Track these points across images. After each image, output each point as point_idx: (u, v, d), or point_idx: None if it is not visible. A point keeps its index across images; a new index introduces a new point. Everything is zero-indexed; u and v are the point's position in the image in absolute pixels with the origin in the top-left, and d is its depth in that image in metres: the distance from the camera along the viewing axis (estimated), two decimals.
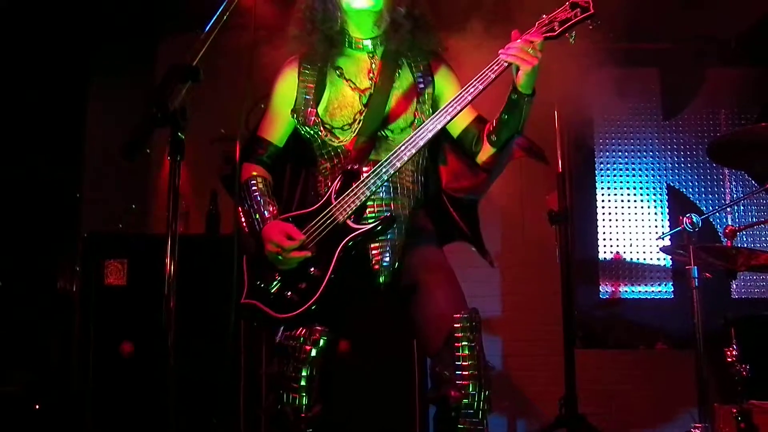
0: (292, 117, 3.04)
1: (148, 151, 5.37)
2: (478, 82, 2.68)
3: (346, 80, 3.00)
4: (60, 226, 5.39)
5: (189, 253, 3.94)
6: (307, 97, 3.01)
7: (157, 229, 5.37)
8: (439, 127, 2.73)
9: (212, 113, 4.69)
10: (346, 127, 2.96)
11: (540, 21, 2.64)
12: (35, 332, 5.02)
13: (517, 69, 2.62)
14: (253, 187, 3.02)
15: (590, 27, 2.59)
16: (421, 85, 3.00)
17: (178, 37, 5.40)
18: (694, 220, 3.57)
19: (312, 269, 2.82)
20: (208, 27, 1.97)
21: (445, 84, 3.04)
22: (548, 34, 2.60)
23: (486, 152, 2.92)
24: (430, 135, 2.74)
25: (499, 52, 2.64)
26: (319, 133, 2.98)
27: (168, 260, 1.70)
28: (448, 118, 2.73)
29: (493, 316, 5.67)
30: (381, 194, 2.90)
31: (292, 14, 3.06)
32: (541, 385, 5.42)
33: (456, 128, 2.98)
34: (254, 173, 3.07)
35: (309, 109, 3.00)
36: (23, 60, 5.09)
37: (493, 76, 2.65)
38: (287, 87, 3.07)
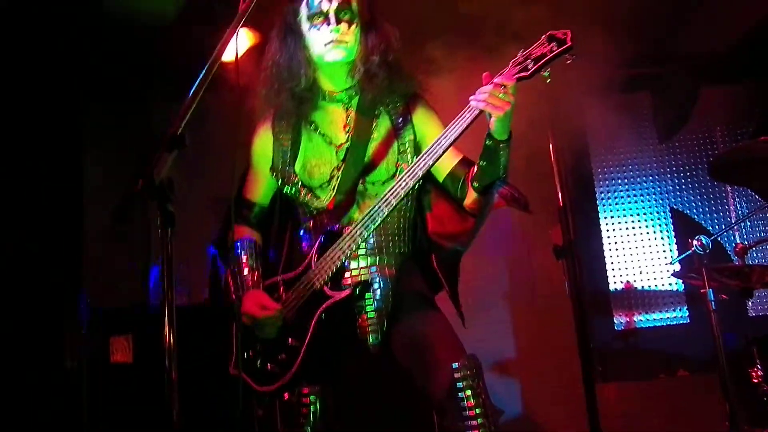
0: (272, 176, 3.00)
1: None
2: (451, 131, 2.59)
3: (322, 135, 2.95)
4: (63, 299, 5.33)
5: (193, 322, 3.92)
6: (284, 155, 2.96)
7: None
8: (411, 183, 2.65)
9: (210, 174, 4.66)
10: (324, 185, 2.91)
11: (514, 59, 2.52)
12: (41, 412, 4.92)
13: (490, 114, 2.53)
14: (239, 252, 3.00)
15: (568, 62, 2.45)
16: (400, 130, 2.93)
17: (172, 102, 5.40)
18: (704, 242, 3.52)
19: (290, 339, 2.80)
20: (192, 90, 1.91)
21: (425, 125, 2.94)
22: (521, 75, 2.47)
23: (471, 197, 2.80)
24: (402, 192, 2.66)
25: (470, 98, 2.53)
26: (299, 192, 2.94)
27: (167, 334, 1.64)
28: (420, 173, 2.64)
29: (508, 357, 5.56)
30: (365, 255, 2.86)
31: (259, 72, 2.99)
32: (563, 423, 5.28)
33: (440, 173, 2.89)
34: (241, 236, 3.05)
35: (287, 167, 2.96)
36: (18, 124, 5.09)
37: (465, 125, 2.55)
38: (264, 146, 3.03)
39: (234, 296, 2.96)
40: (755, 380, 3.71)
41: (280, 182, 2.98)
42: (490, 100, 2.47)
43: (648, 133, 5.93)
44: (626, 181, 5.87)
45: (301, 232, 3.00)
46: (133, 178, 1.65)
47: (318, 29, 2.84)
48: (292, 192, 2.96)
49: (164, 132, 1.76)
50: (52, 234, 5.22)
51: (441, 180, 2.91)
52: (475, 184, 2.74)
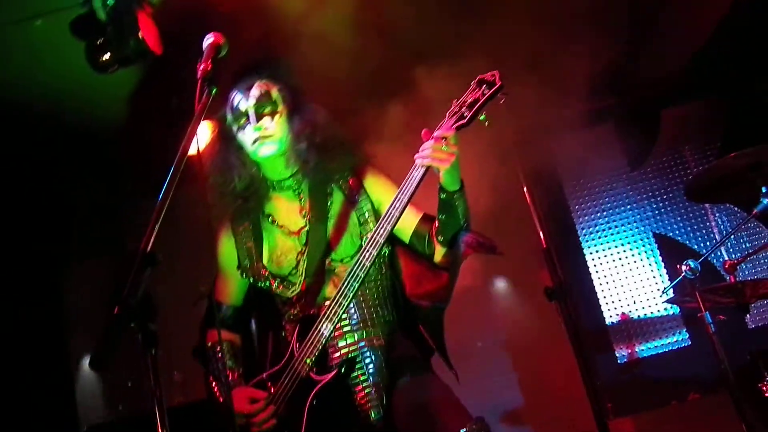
0: (242, 276, 2.97)
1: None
2: (403, 194, 2.59)
3: (280, 228, 2.94)
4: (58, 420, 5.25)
5: (192, 422, 3.83)
6: (250, 254, 2.95)
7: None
8: (374, 252, 2.63)
9: (192, 273, 4.62)
10: (293, 272, 2.89)
11: (449, 110, 2.54)
12: None
13: (438, 168, 2.53)
14: (217, 355, 2.98)
15: (501, 101, 2.48)
16: (355, 202, 2.91)
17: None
18: (692, 265, 3.49)
19: None
20: (161, 195, 1.88)
21: (378, 191, 2.93)
22: (459, 124, 2.49)
23: (439, 252, 2.80)
24: (367, 263, 2.63)
25: (415, 156, 2.54)
26: (271, 285, 2.91)
27: None
28: (381, 240, 2.62)
29: (516, 406, 5.49)
30: (351, 331, 2.83)
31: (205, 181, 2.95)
32: None
33: (405, 234, 2.88)
34: (217, 339, 3.03)
35: (255, 264, 2.94)
36: None
37: (414, 184, 2.56)
38: (228, 250, 3.02)
39: (221, 399, 2.93)
40: (767, 393, 3.66)
41: (252, 280, 2.96)
42: (434, 155, 2.48)
43: (619, 163, 5.96)
44: (605, 213, 5.88)
45: (283, 323, 2.97)
46: (110, 304, 1.61)
47: (243, 129, 2.86)
48: (266, 286, 2.94)
49: (136, 251, 1.72)
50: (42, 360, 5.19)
51: (408, 241, 2.89)
52: (440, 238, 2.74)
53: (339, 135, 2.97)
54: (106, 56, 3.96)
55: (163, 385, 1.65)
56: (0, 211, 4.97)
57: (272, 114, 2.84)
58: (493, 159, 4.34)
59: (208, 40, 2.48)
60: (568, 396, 5.22)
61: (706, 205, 5.74)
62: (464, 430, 2.55)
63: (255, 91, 2.85)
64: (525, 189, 4.86)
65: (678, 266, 3.52)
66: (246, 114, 2.84)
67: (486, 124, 2.50)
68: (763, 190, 3.55)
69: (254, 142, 2.83)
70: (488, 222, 2.91)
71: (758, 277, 4.62)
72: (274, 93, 2.86)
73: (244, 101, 2.85)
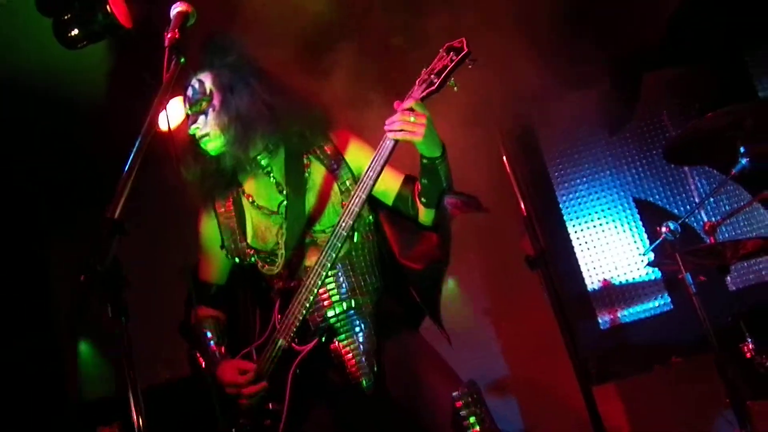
0: (227, 256, 2.96)
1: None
2: (375, 165, 2.60)
3: (259, 208, 2.93)
4: (49, 396, 5.25)
5: (179, 398, 3.84)
6: (233, 234, 2.94)
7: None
8: (350, 222, 2.64)
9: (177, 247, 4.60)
10: (275, 248, 2.88)
11: (419, 78, 2.56)
12: None
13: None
14: (202, 330, 3.00)
15: (469, 66, 2.52)
16: (336, 170, 2.90)
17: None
18: (672, 227, 3.50)
19: (270, 404, 2.77)
20: (126, 169, 1.85)
21: (359, 159, 2.91)
22: (427, 91, 2.52)
23: (424, 214, 2.81)
24: (344, 232, 2.64)
25: (384, 128, 2.55)
26: (257, 263, 2.92)
27: (136, 421, 1.57)
28: (356, 209, 2.63)
29: (501, 376, 5.50)
30: (339, 300, 2.83)
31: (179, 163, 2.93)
32: None
33: (388, 197, 2.89)
34: (202, 315, 3.05)
35: (240, 244, 2.93)
36: None
37: (385, 156, 2.57)
38: (210, 230, 3.02)
39: (207, 372, 2.94)
40: (748, 355, 3.68)
41: (237, 260, 2.96)
42: (404, 127, 2.49)
43: (598, 129, 5.93)
44: (584, 180, 5.86)
45: (268, 299, 2.97)
46: (76, 273, 1.59)
47: (190, 129, 2.84)
48: (251, 262, 2.92)
49: (103, 218, 1.69)
50: (29, 334, 5.16)
51: (391, 204, 2.89)
52: (423, 200, 2.75)
53: (304, 99, 2.93)
54: (75, 31, 3.90)
55: (147, 361, 1.64)
56: None
57: (205, 111, 2.79)
58: (471, 127, 4.33)
59: (176, 8, 2.45)
60: (552, 364, 5.22)
61: (686, 168, 5.73)
62: (456, 393, 2.58)
63: (189, 91, 2.83)
64: (504, 157, 4.91)
65: (658, 228, 3.52)
66: (188, 115, 2.84)
67: (455, 89, 2.54)
68: (741, 150, 3.54)
69: (198, 141, 2.82)
70: (467, 190, 2.88)
71: (738, 238, 4.62)
72: (208, 84, 2.81)
73: (185, 103, 2.85)
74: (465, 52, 2.50)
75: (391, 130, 2.52)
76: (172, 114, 2.92)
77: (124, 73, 4.64)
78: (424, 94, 2.52)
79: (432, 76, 2.52)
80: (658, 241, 3.57)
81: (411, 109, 2.50)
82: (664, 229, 3.50)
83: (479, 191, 2.85)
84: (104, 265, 1.61)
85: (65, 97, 4.62)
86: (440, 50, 2.55)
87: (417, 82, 2.56)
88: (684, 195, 5.74)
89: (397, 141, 2.54)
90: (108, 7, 3.80)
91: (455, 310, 5.54)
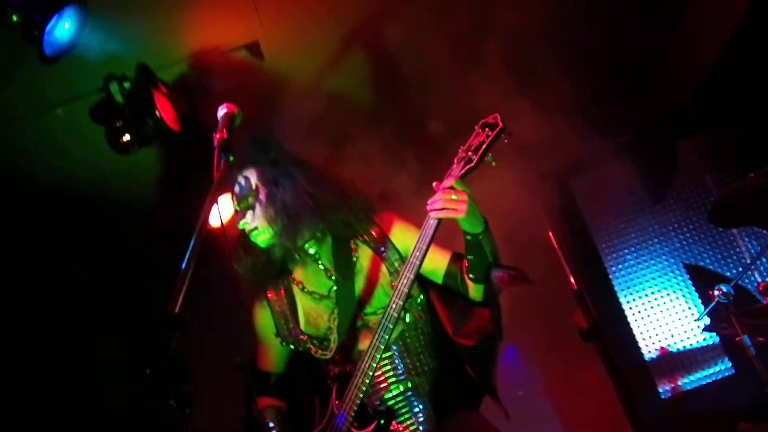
0: (281, 344, 3.01)
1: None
2: (420, 245, 2.62)
3: (310, 294, 2.97)
4: None
5: None
6: (286, 321, 3.00)
7: None
8: (401, 302, 2.64)
9: (227, 342, 4.66)
10: (328, 333, 2.92)
11: (457, 156, 2.61)
12: None
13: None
14: (264, 421, 3.02)
15: (505, 141, 2.56)
16: (383, 253, 2.95)
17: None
18: (725, 290, 3.48)
19: None
20: (184, 265, 1.92)
21: (404, 239, 2.96)
22: (467, 168, 2.56)
23: (473, 290, 2.83)
24: (395, 314, 2.65)
25: (427, 208, 2.59)
26: (309, 348, 2.95)
27: None
28: (406, 290, 2.63)
29: None
30: (396, 383, 2.85)
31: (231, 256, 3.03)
32: None
33: (437, 276, 2.92)
34: (264, 405, 3.07)
35: (293, 331, 2.98)
36: None
37: (430, 235, 2.60)
38: (264, 320, 3.07)
39: None
40: None
41: (292, 346, 3.00)
42: (446, 205, 2.53)
43: (641, 198, 5.92)
44: (632, 249, 5.82)
45: (326, 386, 2.98)
46: (141, 367, 1.64)
47: (239, 224, 2.93)
48: (305, 349, 2.97)
49: (163, 313, 1.75)
50: None
51: (441, 282, 2.91)
52: (471, 276, 2.78)
53: (345, 188, 3.02)
54: (126, 137, 4.06)
55: None
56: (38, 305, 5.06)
57: (252, 206, 2.88)
58: (513, 205, 4.37)
59: (222, 110, 2.55)
60: None
61: (734, 230, 5.68)
62: None
63: (236, 188, 2.92)
64: (550, 233, 4.93)
65: (710, 292, 3.49)
66: (236, 211, 2.92)
67: (493, 164, 2.58)
68: None
69: (249, 235, 2.90)
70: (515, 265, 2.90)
71: None
72: (254, 180, 2.91)
73: (233, 199, 2.93)
74: (500, 128, 2.55)
75: (433, 209, 2.56)
76: (222, 211, 3.01)
77: (175, 174, 4.81)
78: (463, 171, 2.56)
79: (470, 153, 2.57)
80: (712, 305, 3.54)
81: (452, 188, 2.54)
82: (716, 293, 3.48)
83: (524, 266, 2.87)
84: (167, 358, 1.66)
85: (117, 199, 4.78)
86: (475, 127, 2.61)
87: (455, 160, 2.61)
88: (735, 257, 5.67)
89: (440, 219, 2.58)
90: (157, 112, 3.96)
91: (514, 392, 5.46)
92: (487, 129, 2.56)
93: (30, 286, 5.05)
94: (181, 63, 4.18)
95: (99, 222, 4.96)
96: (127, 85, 4.05)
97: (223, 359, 3.78)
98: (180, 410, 1.66)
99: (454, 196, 2.53)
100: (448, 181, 2.56)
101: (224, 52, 4.19)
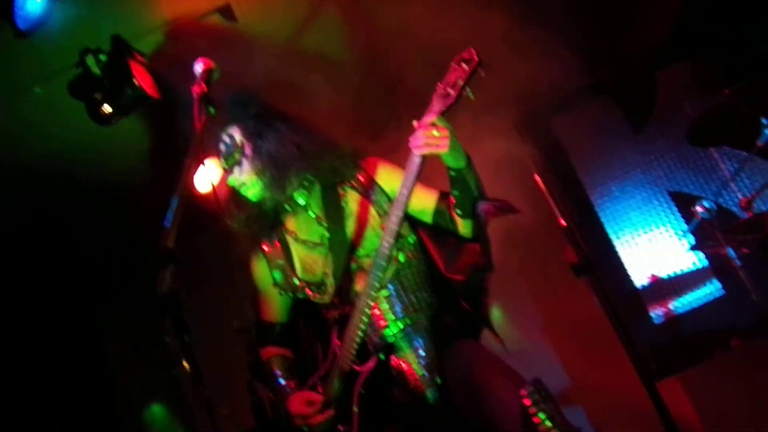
0: (280, 293, 3.06)
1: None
2: (406, 184, 2.64)
3: (303, 242, 3.03)
4: None
5: None
6: (283, 270, 3.05)
7: None
8: (391, 240, 2.68)
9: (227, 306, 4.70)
10: (324, 278, 2.97)
11: (435, 93, 2.61)
12: None
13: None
14: (272, 369, 3.08)
15: (482, 74, 2.55)
16: (371, 196, 2.99)
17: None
18: (707, 205, 3.54)
19: (340, 427, 2.81)
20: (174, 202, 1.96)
21: (391, 181, 2.98)
22: (446, 104, 2.56)
23: (462, 225, 2.87)
24: (386, 251, 2.69)
25: (409, 145, 2.61)
26: (308, 295, 3.00)
27: None
28: (395, 228, 2.67)
29: (564, 387, 5.49)
30: (395, 320, 2.89)
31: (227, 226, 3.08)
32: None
33: (426, 215, 2.96)
34: (270, 355, 3.13)
35: (291, 279, 3.03)
36: None
37: (415, 172, 2.62)
38: (261, 271, 3.12)
39: (278, 407, 3.01)
40: None
41: (291, 294, 3.05)
42: (428, 141, 2.56)
43: (622, 130, 5.96)
44: (617, 181, 5.87)
45: (327, 330, 3.03)
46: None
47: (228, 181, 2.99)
48: (304, 296, 3.02)
49: (156, 250, 1.81)
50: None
51: (431, 221, 2.96)
52: (458, 212, 2.82)
53: (329, 135, 3.07)
54: (107, 108, 4.09)
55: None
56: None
57: (239, 161, 2.93)
58: (497, 146, 4.42)
59: (199, 65, 2.58)
60: (613, 366, 5.20)
61: (715, 154, 5.71)
62: (523, 392, 2.54)
63: (221, 146, 2.98)
64: (535, 173, 4.97)
65: (692, 210, 3.55)
66: (223, 169, 2.97)
67: (472, 97, 2.57)
68: (764, 122, 3.58)
69: (239, 191, 2.95)
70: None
71: None
72: (238, 136, 2.96)
73: (219, 159, 2.98)
74: (476, 62, 2.55)
75: (416, 146, 2.59)
76: (210, 175, 3.06)
77: (158, 143, 4.83)
78: (443, 107, 2.57)
79: (448, 89, 2.57)
80: (695, 222, 3.59)
81: (433, 124, 2.57)
82: (699, 209, 3.53)
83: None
84: (163, 291, 1.72)
85: (102, 173, 4.81)
86: (451, 63, 2.60)
87: (433, 97, 2.61)
88: (717, 180, 5.71)
89: (424, 156, 2.61)
90: (135, 81, 3.98)
91: (509, 332, 5.54)
92: (463, 64, 2.56)
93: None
94: (155, 31, 4.20)
95: (88, 197, 4.98)
96: (103, 57, 4.07)
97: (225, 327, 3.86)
98: (179, 336, 1.71)
99: (435, 132, 2.55)
100: (429, 118, 2.57)
101: (197, 17, 4.21)
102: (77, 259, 5.31)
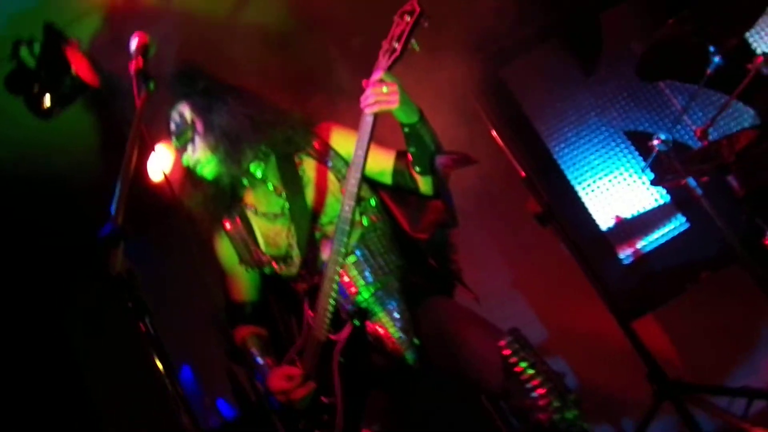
0: (247, 270, 3.01)
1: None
2: (361, 143, 2.62)
3: (264, 215, 2.99)
4: None
5: None
6: (247, 245, 3.02)
7: None
8: (352, 203, 2.65)
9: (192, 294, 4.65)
10: (289, 250, 2.94)
11: (381, 49, 2.59)
12: None
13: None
14: (247, 349, 3.06)
15: (425, 25, 2.54)
16: (328, 162, 2.96)
17: None
18: (663, 137, 3.54)
19: (323, 399, 2.80)
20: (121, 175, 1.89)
21: (346, 145, 2.95)
22: (392, 59, 2.54)
23: (422, 183, 2.86)
24: (348, 215, 2.66)
25: (360, 105, 2.59)
26: (274, 268, 2.98)
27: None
28: (354, 190, 2.65)
29: (542, 340, 5.49)
30: (366, 285, 2.88)
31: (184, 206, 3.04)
32: (623, 374, 5.18)
33: (385, 176, 2.94)
34: (244, 335, 3.10)
35: (255, 254, 3.00)
36: None
37: (368, 131, 2.60)
38: (225, 249, 3.09)
39: (262, 388, 2.98)
40: None
41: (258, 270, 3.01)
42: (378, 99, 2.54)
43: (573, 76, 5.96)
44: (573, 127, 5.87)
45: (298, 303, 3.00)
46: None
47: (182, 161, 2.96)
48: (271, 270, 2.98)
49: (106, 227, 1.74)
50: None
51: (391, 182, 2.93)
52: (417, 169, 2.80)
53: (278, 106, 3.03)
54: (47, 101, 3.98)
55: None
56: None
57: (191, 139, 2.90)
58: (449, 106, 4.37)
59: (134, 41, 2.52)
60: (588, 312, 5.23)
61: (666, 90, 5.74)
62: (502, 343, 2.55)
63: (171, 126, 2.94)
64: (491, 127, 4.94)
65: (649, 143, 3.55)
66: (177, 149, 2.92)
67: (417, 49, 2.56)
68: (711, 49, 3.58)
69: (194, 170, 2.91)
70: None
71: (729, 133, 4.61)
72: (187, 113, 2.92)
73: (171, 138, 2.94)
74: (419, 12, 2.52)
75: (367, 105, 2.56)
76: (162, 160, 3.00)
77: (105, 133, 4.73)
78: (390, 62, 2.55)
79: (393, 43, 2.55)
80: (653, 155, 3.59)
81: (381, 81, 2.54)
82: (656, 142, 3.53)
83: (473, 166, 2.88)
84: (116, 270, 1.66)
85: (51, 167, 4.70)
86: (395, 17, 2.58)
87: (380, 53, 2.59)
88: (670, 114, 5.76)
89: (375, 115, 2.58)
90: (72, 69, 3.88)
91: (481, 289, 5.53)
92: (406, 16, 2.54)
93: None
94: (88, 16, 4.08)
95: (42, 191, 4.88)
96: (37, 48, 3.95)
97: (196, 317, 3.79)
98: (139, 318, 1.66)
99: (384, 89, 2.53)
100: (377, 75, 2.55)
101: None
102: (33, 257, 5.23)
